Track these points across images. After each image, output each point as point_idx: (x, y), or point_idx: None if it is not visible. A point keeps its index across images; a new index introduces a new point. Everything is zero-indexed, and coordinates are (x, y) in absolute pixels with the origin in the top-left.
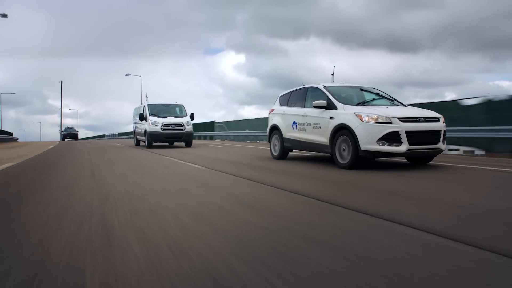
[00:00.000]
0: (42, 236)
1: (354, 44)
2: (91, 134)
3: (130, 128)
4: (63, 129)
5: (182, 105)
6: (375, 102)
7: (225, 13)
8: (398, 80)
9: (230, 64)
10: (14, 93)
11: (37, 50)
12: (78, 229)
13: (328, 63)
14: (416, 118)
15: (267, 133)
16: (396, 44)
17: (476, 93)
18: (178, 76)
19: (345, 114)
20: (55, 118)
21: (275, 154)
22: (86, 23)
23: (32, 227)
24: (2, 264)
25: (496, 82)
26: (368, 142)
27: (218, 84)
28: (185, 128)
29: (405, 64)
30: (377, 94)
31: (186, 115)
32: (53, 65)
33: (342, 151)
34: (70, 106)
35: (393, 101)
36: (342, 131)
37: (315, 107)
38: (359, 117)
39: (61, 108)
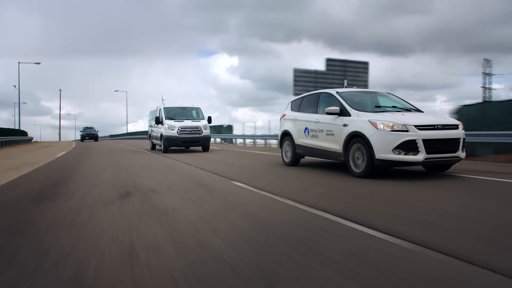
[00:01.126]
0: None
1: (345, 47)
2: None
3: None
4: (81, 129)
5: (199, 108)
6: (390, 108)
7: (218, 16)
8: (389, 83)
9: (224, 66)
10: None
11: (30, 51)
12: None
13: (321, 66)
14: (434, 125)
15: (278, 139)
16: (387, 47)
17: (467, 96)
18: (172, 78)
19: (359, 121)
20: (48, 120)
21: (286, 160)
22: (80, 24)
23: None
24: None
25: (486, 85)
26: (383, 150)
27: (212, 86)
28: (202, 132)
29: (396, 67)
30: (392, 99)
31: (203, 119)
32: (46, 66)
33: (356, 159)
34: (64, 107)
35: (409, 107)
36: (356, 138)
37: (328, 113)
38: (374, 125)
39: (59, 114)
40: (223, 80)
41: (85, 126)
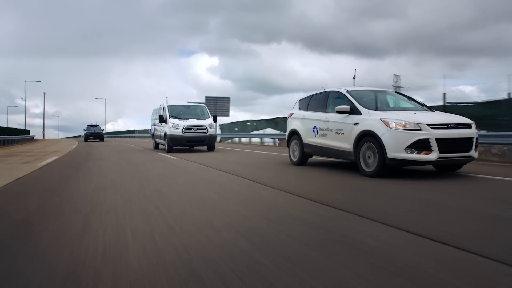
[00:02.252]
0: None
1: (324, 49)
2: (62, 135)
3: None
4: (85, 127)
5: (204, 106)
6: (401, 107)
7: (198, 17)
8: (368, 84)
9: (204, 66)
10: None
11: (6, 49)
12: None
13: (300, 67)
14: (447, 124)
15: (286, 138)
16: (363, 50)
17: (441, 97)
18: (152, 77)
19: (370, 120)
20: (23, 119)
21: (294, 159)
22: (57, 22)
23: None
24: None
25: (459, 87)
26: (395, 149)
27: (193, 86)
28: (207, 131)
29: (373, 69)
30: (402, 99)
31: (209, 117)
32: (23, 64)
33: (367, 159)
34: (39, 106)
35: (419, 106)
36: (367, 137)
37: (338, 112)
38: (386, 124)
39: (43, 114)
40: (203, 80)
41: (89, 124)
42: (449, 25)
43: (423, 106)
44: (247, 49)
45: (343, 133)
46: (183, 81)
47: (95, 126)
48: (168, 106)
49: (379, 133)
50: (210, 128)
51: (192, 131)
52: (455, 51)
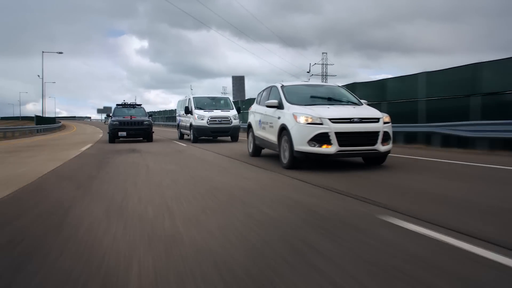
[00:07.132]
0: None
1: (251, 38)
2: None
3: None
4: (110, 111)
5: (228, 97)
6: (327, 101)
7: (126, 1)
8: (294, 71)
9: (133, 48)
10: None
11: None
12: None
13: (230, 52)
14: (350, 119)
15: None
16: (287, 40)
17: None
18: (78, 57)
19: (287, 114)
20: None
21: (250, 151)
22: None
23: None
24: None
25: (377, 76)
26: (300, 142)
27: (122, 67)
28: (232, 122)
29: (298, 57)
30: (335, 93)
31: (233, 108)
32: None
33: (284, 151)
34: None
35: (349, 100)
36: (284, 131)
37: (268, 106)
38: (295, 118)
39: None
40: (133, 61)
41: (119, 103)
42: (359, 22)
43: (354, 101)
44: (177, 34)
45: (272, 127)
46: (112, 62)
47: (134, 106)
48: (193, 97)
49: (289, 127)
50: (234, 119)
51: (217, 122)
52: (368, 44)
